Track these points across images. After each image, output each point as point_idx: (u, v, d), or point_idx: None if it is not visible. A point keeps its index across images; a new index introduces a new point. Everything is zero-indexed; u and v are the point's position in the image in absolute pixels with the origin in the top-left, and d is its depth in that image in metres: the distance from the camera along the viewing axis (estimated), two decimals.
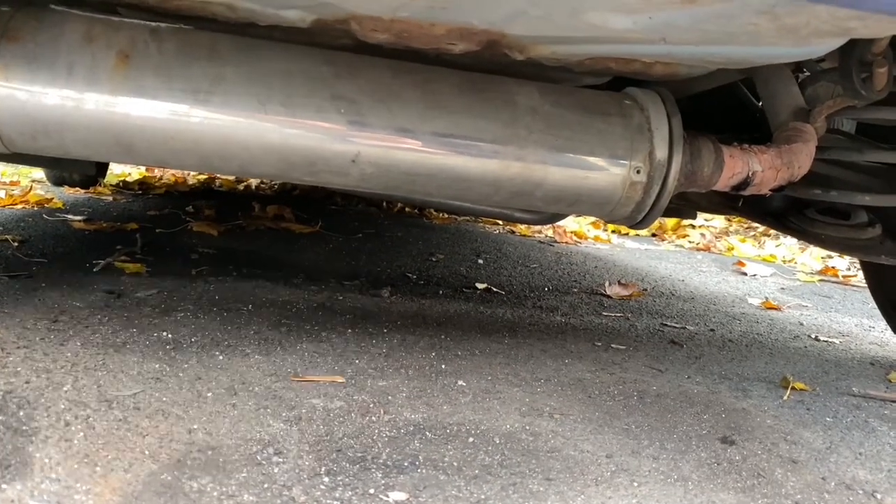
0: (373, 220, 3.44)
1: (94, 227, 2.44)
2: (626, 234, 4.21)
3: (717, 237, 4.30)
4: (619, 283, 2.44)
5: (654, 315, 2.11)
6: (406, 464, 0.97)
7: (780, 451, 1.16)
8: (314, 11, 1.01)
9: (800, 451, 1.18)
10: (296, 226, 2.92)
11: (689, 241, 4.15)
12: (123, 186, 3.84)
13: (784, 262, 3.74)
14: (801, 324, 2.18)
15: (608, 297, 2.32)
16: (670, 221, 4.33)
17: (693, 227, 4.49)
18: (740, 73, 1.43)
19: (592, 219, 4.12)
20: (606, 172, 1.10)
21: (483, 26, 1.00)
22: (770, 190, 1.27)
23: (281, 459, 0.94)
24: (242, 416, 1.06)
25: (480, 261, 2.72)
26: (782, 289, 2.81)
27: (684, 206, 1.68)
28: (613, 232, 4.16)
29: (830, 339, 2.00)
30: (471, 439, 1.07)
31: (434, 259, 2.64)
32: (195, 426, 1.01)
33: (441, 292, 2.13)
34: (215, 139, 1.00)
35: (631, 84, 1.37)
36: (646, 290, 2.51)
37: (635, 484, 0.99)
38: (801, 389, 1.49)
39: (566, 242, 3.59)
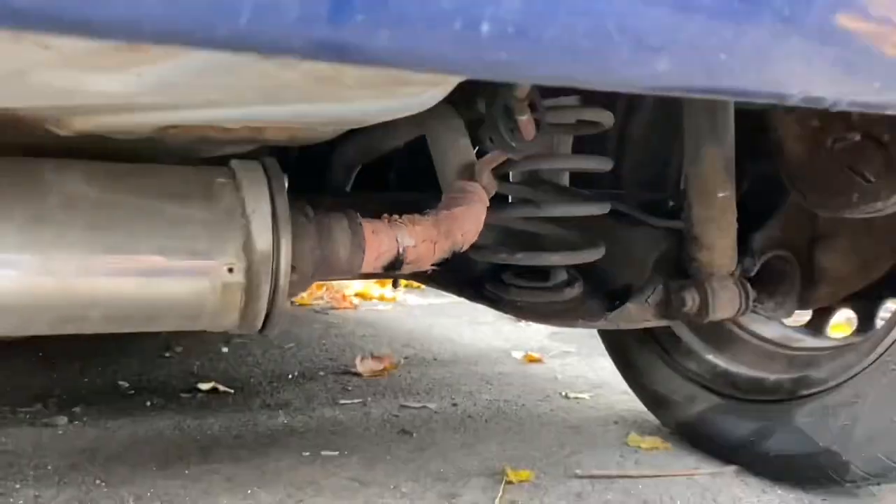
0: None
1: None
2: (418, 287, 4.02)
3: None
4: (372, 356, 2.19)
5: (399, 394, 1.87)
6: None
7: None
8: None
9: None
10: None
11: None
12: None
13: None
14: (557, 378, 2.04)
15: (358, 375, 2.06)
16: None
17: None
18: (414, 128, 1.24)
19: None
20: (185, 276, 0.83)
21: None
22: (433, 264, 1.06)
23: None
24: None
25: (225, 349, 2.37)
26: (553, 333, 2.71)
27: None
28: (406, 286, 3.96)
29: (580, 395, 1.86)
30: None
31: (168, 354, 2.27)
32: None
33: (149, 403, 1.77)
34: None
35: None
36: (407, 357, 2.29)
37: None
38: (522, 481, 1.30)
39: (344, 308, 3.33)
